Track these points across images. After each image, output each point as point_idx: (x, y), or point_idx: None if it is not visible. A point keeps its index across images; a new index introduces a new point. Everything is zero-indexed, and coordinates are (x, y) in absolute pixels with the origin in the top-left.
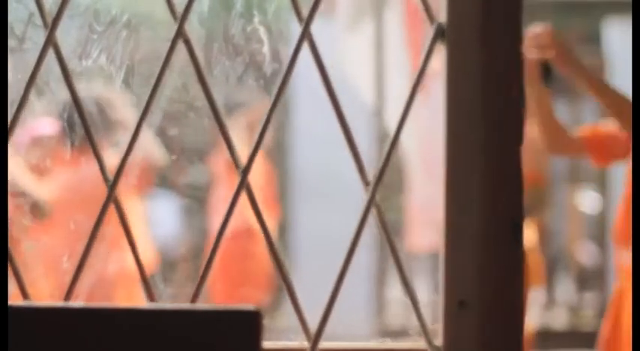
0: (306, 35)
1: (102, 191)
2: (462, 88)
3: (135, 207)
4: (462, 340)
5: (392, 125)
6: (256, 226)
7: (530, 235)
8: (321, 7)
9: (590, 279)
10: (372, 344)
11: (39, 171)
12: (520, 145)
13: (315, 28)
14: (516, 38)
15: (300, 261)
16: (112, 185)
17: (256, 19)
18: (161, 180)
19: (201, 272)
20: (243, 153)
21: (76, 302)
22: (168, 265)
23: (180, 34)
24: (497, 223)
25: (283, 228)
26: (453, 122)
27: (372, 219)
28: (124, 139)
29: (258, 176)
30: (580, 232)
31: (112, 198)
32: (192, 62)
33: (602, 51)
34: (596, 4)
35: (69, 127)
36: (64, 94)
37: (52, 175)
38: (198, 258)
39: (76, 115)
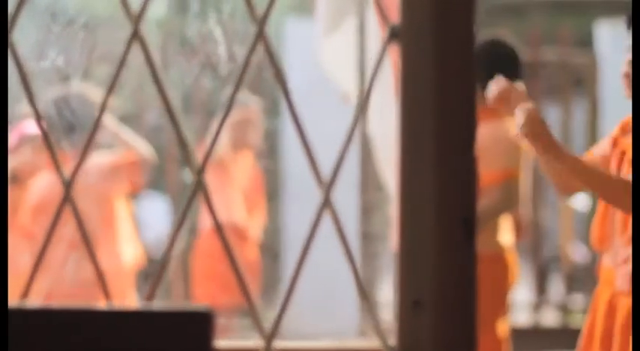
0: (261, 35)
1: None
2: (415, 88)
3: (123, 207)
4: (417, 339)
5: (373, 126)
6: (242, 224)
7: (506, 232)
8: (305, 7)
9: (583, 278)
10: (328, 344)
11: (29, 171)
12: (473, 144)
13: (297, 28)
14: (469, 39)
15: (290, 261)
16: (68, 185)
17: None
18: (152, 181)
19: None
20: (226, 151)
21: (33, 303)
22: (159, 265)
23: (135, 35)
24: (450, 221)
25: (274, 229)
26: (407, 122)
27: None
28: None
29: (244, 178)
30: (572, 232)
31: (68, 199)
32: (148, 63)
33: (594, 52)
34: (588, 5)
35: (50, 128)
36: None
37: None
38: (187, 257)
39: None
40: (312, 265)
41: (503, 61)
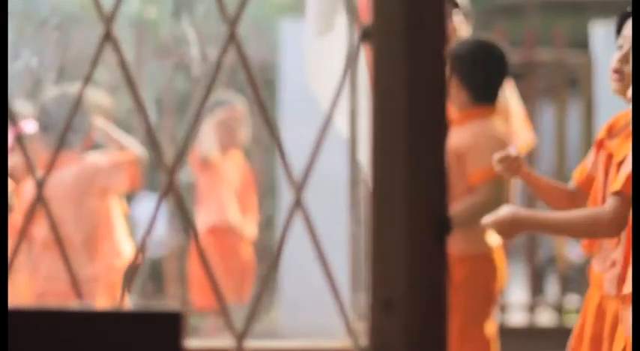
0: (232, 37)
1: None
2: (387, 89)
3: (116, 206)
4: (388, 339)
5: (362, 127)
6: (237, 223)
7: (494, 233)
8: (301, 7)
9: (578, 278)
10: (298, 343)
11: (25, 171)
12: (444, 144)
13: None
14: (441, 40)
15: (287, 260)
16: (40, 184)
17: (185, 21)
18: (147, 181)
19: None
20: (215, 152)
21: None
22: (154, 265)
23: (108, 35)
24: (422, 221)
25: (269, 226)
26: (379, 123)
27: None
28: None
29: (235, 178)
30: None
31: (40, 198)
32: (120, 64)
33: (589, 52)
34: (584, 5)
35: (43, 129)
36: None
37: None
38: (183, 257)
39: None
40: (308, 264)
41: (496, 63)
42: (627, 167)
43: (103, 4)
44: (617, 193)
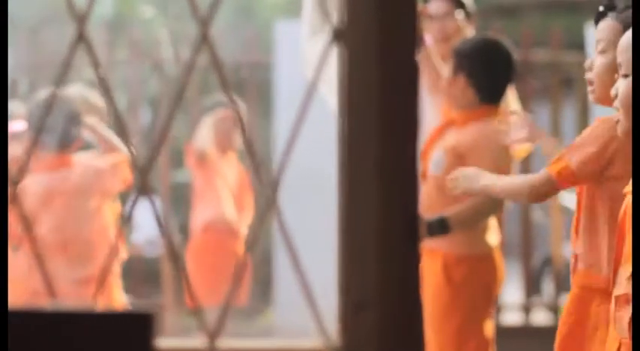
0: (205, 38)
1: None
2: (357, 89)
3: (110, 207)
4: (360, 339)
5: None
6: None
7: (493, 232)
8: (296, 8)
9: None
10: (271, 343)
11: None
12: (415, 144)
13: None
14: (411, 40)
15: (281, 257)
16: (15, 183)
17: (160, 22)
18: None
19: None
20: (212, 151)
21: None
22: (151, 265)
23: (81, 36)
24: (393, 221)
25: (266, 227)
26: (349, 123)
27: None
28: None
29: (232, 177)
30: (563, 231)
31: (12, 197)
32: (93, 65)
33: (585, 53)
34: (580, 5)
35: (35, 131)
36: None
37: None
38: (180, 257)
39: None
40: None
41: (504, 63)
42: (571, 157)
43: (76, 4)
44: (548, 173)
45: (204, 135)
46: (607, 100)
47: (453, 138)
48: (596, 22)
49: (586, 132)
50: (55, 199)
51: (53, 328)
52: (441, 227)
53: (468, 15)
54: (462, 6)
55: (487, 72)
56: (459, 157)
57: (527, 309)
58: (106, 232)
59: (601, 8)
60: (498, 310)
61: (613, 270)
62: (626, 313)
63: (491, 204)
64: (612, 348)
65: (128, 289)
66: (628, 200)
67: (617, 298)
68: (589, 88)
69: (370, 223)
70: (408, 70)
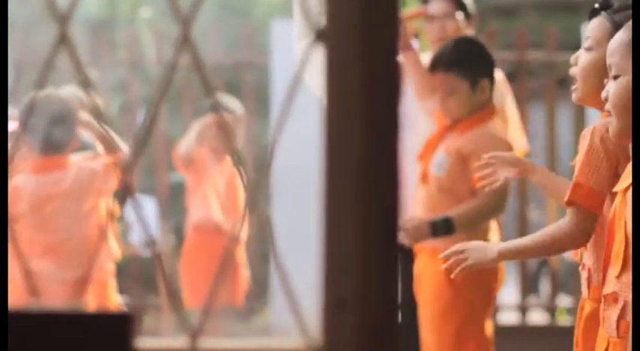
0: (186, 38)
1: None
2: (341, 89)
3: (101, 206)
4: (341, 338)
5: None
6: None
7: (494, 232)
8: (289, 9)
9: (571, 278)
10: (252, 343)
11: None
12: (397, 142)
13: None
14: (393, 40)
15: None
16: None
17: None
18: (141, 183)
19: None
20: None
21: None
22: (147, 264)
23: (64, 37)
24: (373, 218)
25: (262, 227)
26: (332, 123)
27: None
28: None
29: (220, 180)
30: None
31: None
32: (74, 65)
33: None
34: (577, 5)
35: (24, 131)
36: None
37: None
38: (174, 257)
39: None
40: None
41: (492, 63)
42: (576, 174)
43: (59, 5)
44: (569, 204)
45: (188, 139)
46: (589, 100)
47: (456, 141)
48: (590, 18)
49: (585, 149)
50: (49, 201)
51: (31, 329)
52: (445, 228)
53: (468, 16)
54: (462, 7)
55: (489, 72)
56: (462, 160)
57: (523, 309)
58: (103, 232)
59: (596, 5)
60: (495, 310)
61: (602, 269)
62: (615, 311)
63: (496, 204)
64: (601, 347)
65: (125, 289)
66: (617, 200)
67: (606, 297)
68: (572, 87)
69: (351, 223)
70: (391, 70)
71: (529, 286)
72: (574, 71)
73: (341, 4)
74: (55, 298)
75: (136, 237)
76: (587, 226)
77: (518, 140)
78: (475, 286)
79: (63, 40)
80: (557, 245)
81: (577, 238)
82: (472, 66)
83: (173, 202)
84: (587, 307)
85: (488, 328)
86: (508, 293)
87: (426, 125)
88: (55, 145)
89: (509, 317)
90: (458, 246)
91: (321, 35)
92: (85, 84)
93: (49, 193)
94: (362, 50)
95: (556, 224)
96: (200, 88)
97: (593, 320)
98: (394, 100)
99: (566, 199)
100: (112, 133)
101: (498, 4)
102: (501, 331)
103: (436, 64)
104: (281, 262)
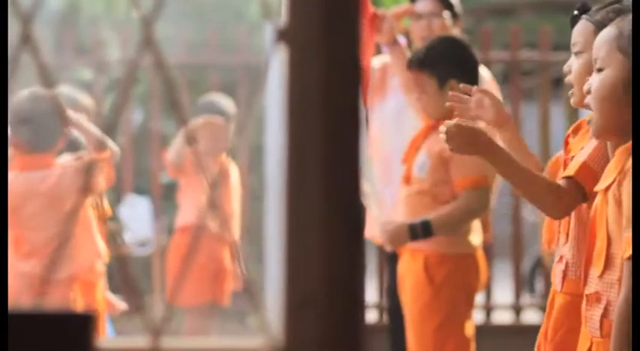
0: (149, 38)
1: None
2: (301, 89)
3: (87, 206)
4: (303, 337)
5: None
6: (211, 223)
7: (477, 233)
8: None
9: None
10: (215, 341)
11: None
12: (359, 142)
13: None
14: (355, 40)
15: (273, 257)
16: None
17: (106, 24)
18: (135, 183)
19: None
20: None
21: None
22: (142, 264)
23: (26, 37)
24: (337, 218)
25: (257, 228)
26: (293, 122)
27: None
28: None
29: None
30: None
31: None
32: (37, 66)
33: None
34: (573, 5)
35: (12, 130)
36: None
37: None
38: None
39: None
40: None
41: (475, 63)
42: (582, 156)
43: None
44: (568, 177)
45: (178, 143)
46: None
47: (438, 143)
48: (572, 25)
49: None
50: (33, 200)
51: None
52: (424, 230)
53: (454, 16)
54: (448, 6)
55: (467, 73)
56: (443, 162)
57: (517, 308)
58: (90, 232)
59: (575, 12)
60: (490, 309)
61: (584, 269)
62: (597, 311)
63: (476, 205)
64: (584, 347)
65: (119, 288)
66: (598, 199)
67: (588, 296)
68: (570, 92)
69: (314, 221)
70: (353, 70)
71: (523, 286)
72: (569, 79)
73: (302, 5)
74: (41, 299)
75: (129, 236)
76: (570, 203)
77: None
78: (455, 286)
79: (27, 40)
80: (541, 191)
81: (556, 206)
82: (441, 65)
83: (166, 201)
84: (560, 300)
85: (469, 327)
86: (503, 293)
87: (415, 122)
88: (41, 143)
89: (503, 317)
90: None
91: (282, 36)
92: (49, 84)
93: (32, 191)
94: (324, 51)
95: (556, 183)
96: (195, 88)
97: (565, 314)
98: (355, 101)
99: (570, 173)
100: (101, 133)
101: (495, 3)
102: (496, 330)
103: (410, 63)
104: (241, 263)
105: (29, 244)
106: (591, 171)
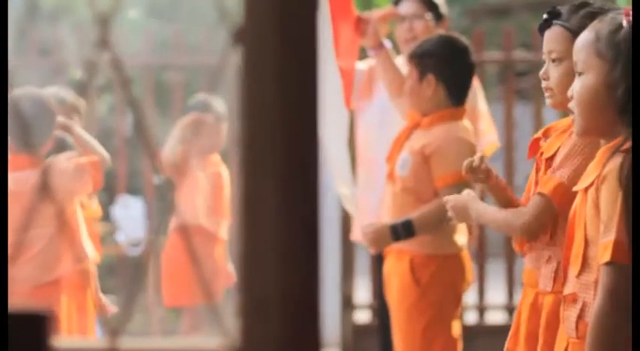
0: (104, 39)
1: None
2: (257, 91)
3: (79, 209)
4: (260, 339)
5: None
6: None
7: (462, 233)
8: None
9: None
10: (172, 342)
11: None
12: (316, 143)
13: None
14: (312, 40)
15: None
16: None
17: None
18: (129, 185)
19: None
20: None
21: None
22: (137, 264)
23: None
24: (294, 221)
25: None
26: (249, 123)
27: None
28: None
29: (204, 180)
30: None
31: None
32: None
33: None
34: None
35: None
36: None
37: None
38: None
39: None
40: None
41: (469, 63)
42: (561, 174)
43: None
44: (541, 195)
45: (171, 143)
46: (565, 105)
47: (420, 140)
48: (541, 30)
49: (567, 146)
50: (16, 200)
51: None
52: (406, 231)
53: (439, 17)
54: (432, 7)
55: (454, 72)
56: (425, 159)
57: (510, 309)
58: (74, 233)
59: (545, 16)
60: (483, 309)
61: (563, 269)
62: (574, 312)
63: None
64: (560, 347)
65: (113, 289)
66: (577, 199)
67: (566, 297)
68: (546, 94)
69: (270, 223)
70: (309, 69)
71: (516, 286)
72: (547, 85)
73: (259, 4)
74: (27, 302)
75: (123, 237)
76: (545, 221)
77: (489, 135)
78: (442, 286)
79: None
80: (509, 227)
81: (528, 227)
82: (422, 59)
83: (160, 202)
84: (550, 300)
85: (456, 327)
86: (496, 293)
87: (400, 124)
88: (28, 144)
89: (496, 317)
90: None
91: (238, 36)
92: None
93: (15, 191)
94: (280, 51)
95: (517, 209)
96: (188, 88)
97: (557, 314)
98: (313, 101)
99: (544, 191)
100: (89, 136)
101: (491, 4)
102: (489, 330)
103: (408, 54)
104: (197, 259)
105: (13, 245)
106: (560, 186)
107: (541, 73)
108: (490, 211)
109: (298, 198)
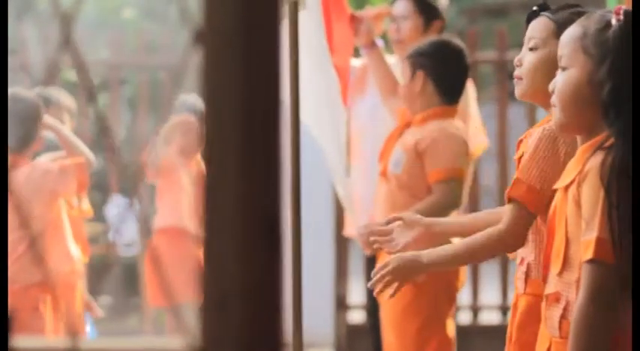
0: (67, 40)
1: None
2: (219, 91)
3: (64, 210)
4: (220, 338)
5: (306, 119)
6: (191, 225)
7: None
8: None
9: None
10: (133, 342)
11: None
12: (278, 143)
13: None
14: (275, 41)
15: None
16: None
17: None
18: (119, 185)
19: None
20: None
21: None
22: (129, 265)
23: None
24: (255, 220)
25: None
26: (211, 123)
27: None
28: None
29: (188, 181)
30: None
31: None
32: None
33: None
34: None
35: None
36: None
37: None
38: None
39: None
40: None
41: (463, 63)
42: (517, 171)
43: None
44: (510, 200)
45: (156, 148)
46: (535, 97)
47: (413, 136)
48: (528, 21)
49: (532, 146)
50: None
51: None
52: None
53: (432, 18)
54: (425, 8)
55: (446, 72)
56: (418, 155)
57: (504, 309)
58: (59, 234)
59: (535, 8)
60: (477, 309)
61: (542, 267)
62: (557, 311)
63: (450, 200)
64: (543, 347)
65: (107, 289)
66: (557, 197)
67: (548, 296)
68: (515, 82)
69: (231, 222)
70: (272, 69)
71: (510, 287)
72: (519, 72)
73: (219, 5)
74: (12, 303)
75: (116, 237)
76: (522, 226)
77: (479, 137)
78: (436, 286)
79: None
80: (488, 249)
81: (509, 239)
82: (414, 58)
83: (153, 202)
84: (523, 302)
85: (450, 327)
86: (490, 293)
87: (391, 123)
88: (15, 144)
89: (490, 317)
90: (380, 268)
91: (199, 37)
92: None
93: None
94: (241, 52)
95: (489, 230)
96: (178, 89)
97: (529, 315)
98: (275, 103)
99: (508, 193)
100: (75, 137)
101: (488, 4)
102: (483, 330)
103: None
104: (158, 261)
105: None
106: (523, 185)
107: (516, 59)
108: (448, 247)
109: (258, 198)
